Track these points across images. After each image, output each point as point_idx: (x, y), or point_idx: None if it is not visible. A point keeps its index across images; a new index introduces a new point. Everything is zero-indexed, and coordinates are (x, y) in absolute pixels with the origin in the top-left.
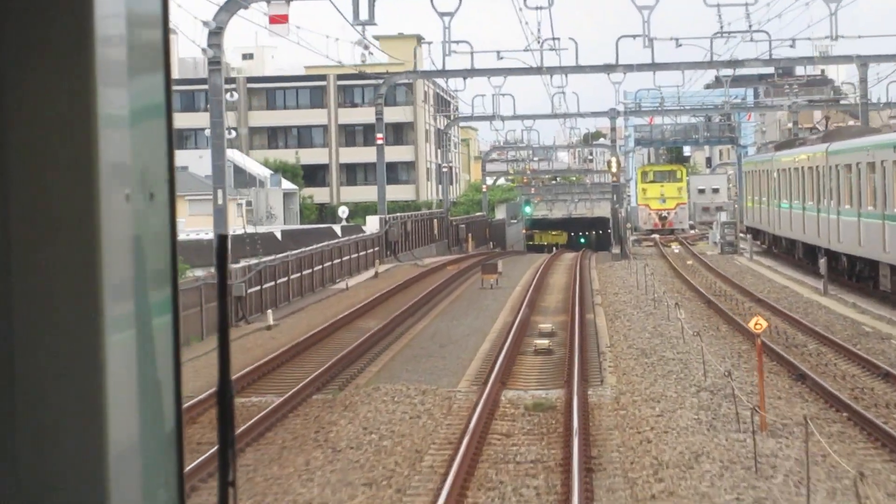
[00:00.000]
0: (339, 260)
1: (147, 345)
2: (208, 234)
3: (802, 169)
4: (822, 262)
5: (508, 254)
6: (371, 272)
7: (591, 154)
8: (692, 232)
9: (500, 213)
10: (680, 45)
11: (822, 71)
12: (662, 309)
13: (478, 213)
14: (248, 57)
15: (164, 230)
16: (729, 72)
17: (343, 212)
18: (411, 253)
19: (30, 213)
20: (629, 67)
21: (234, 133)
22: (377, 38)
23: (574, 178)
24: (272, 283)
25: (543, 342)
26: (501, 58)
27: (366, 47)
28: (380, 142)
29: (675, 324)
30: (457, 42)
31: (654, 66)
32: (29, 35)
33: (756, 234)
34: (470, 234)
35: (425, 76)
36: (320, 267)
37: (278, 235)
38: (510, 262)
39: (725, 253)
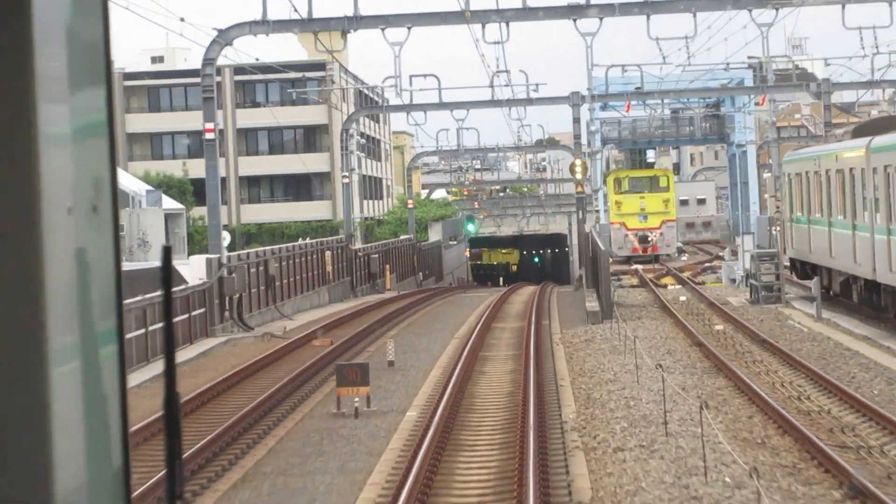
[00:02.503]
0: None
1: (91, 355)
2: None
3: None
4: None
5: (437, 295)
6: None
7: (544, 160)
8: (684, 259)
9: (436, 234)
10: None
11: (796, 65)
12: None
13: (403, 237)
14: (157, 60)
15: (108, 242)
16: (766, 18)
17: (224, 238)
18: (278, 308)
19: None
20: (607, 9)
21: None
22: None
23: (525, 189)
24: None
25: None
26: None
27: None
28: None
29: None
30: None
31: (647, 6)
32: None
33: (802, 267)
34: (388, 266)
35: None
36: None
37: None
38: (425, 321)
39: (763, 302)
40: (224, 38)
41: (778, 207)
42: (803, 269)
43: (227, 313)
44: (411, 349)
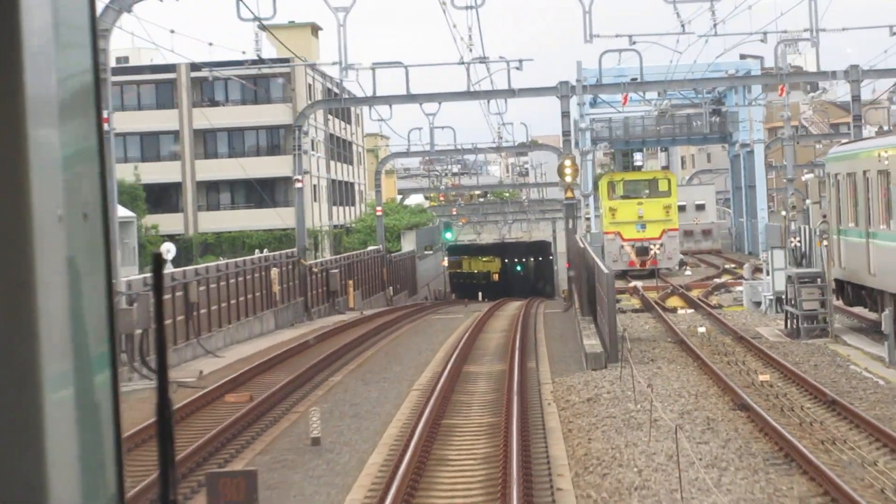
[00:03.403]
0: None
1: (84, 362)
2: None
3: None
4: None
5: (405, 317)
6: None
7: (527, 164)
8: (688, 273)
9: (409, 244)
10: None
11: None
12: None
13: (371, 247)
14: (122, 60)
15: (99, 250)
16: None
17: (167, 250)
18: (201, 342)
19: None
20: None
21: None
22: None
23: (507, 195)
24: None
25: None
26: None
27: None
28: None
29: None
30: None
31: None
32: None
33: (853, 291)
34: (351, 282)
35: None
36: None
37: None
38: (381, 359)
39: (805, 336)
40: (121, 2)
41: (824, 217)
42: (854, 293)
43: (125, 355)
44: (352, 411)
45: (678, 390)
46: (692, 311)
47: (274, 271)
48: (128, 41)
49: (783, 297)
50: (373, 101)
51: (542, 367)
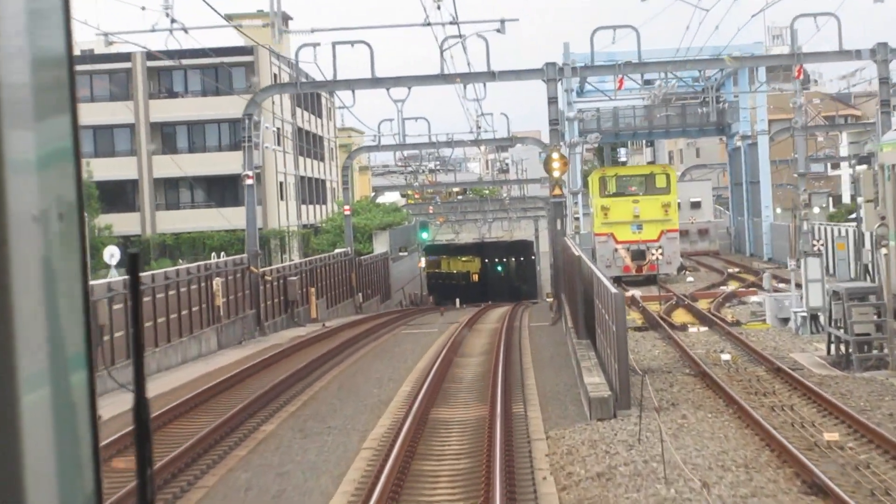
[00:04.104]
0: None
1: (60, 361)
2: None
3: None
4: None
5: (372, 331)
6: None
7: (507, 159)
8: (690, 280)
9: (382, 245)
10: None
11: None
12: None
13: (338, 250)
14: (87, 52)
15: (75, 249)
16: None
17: (111, 255)
18: (111, 375)
19: None
20: None
21: None
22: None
23: (487, 192)
24: None
25: None
26: None
27: None
28: None
29: None
30: None
31: None
32: None
33: None
34: (313, 290)
35: None
36: None
37: None
38: (328, 398)
39: (858, 367)
40: None
41: (883, 219)
42: None
43: None
44: (275, 487)
45: (718, 456)
46: (706, 328)
47: (217, 282)
48: (92, 32)
49: (822, 314)
50: (333, 85)
51: (531, 410)
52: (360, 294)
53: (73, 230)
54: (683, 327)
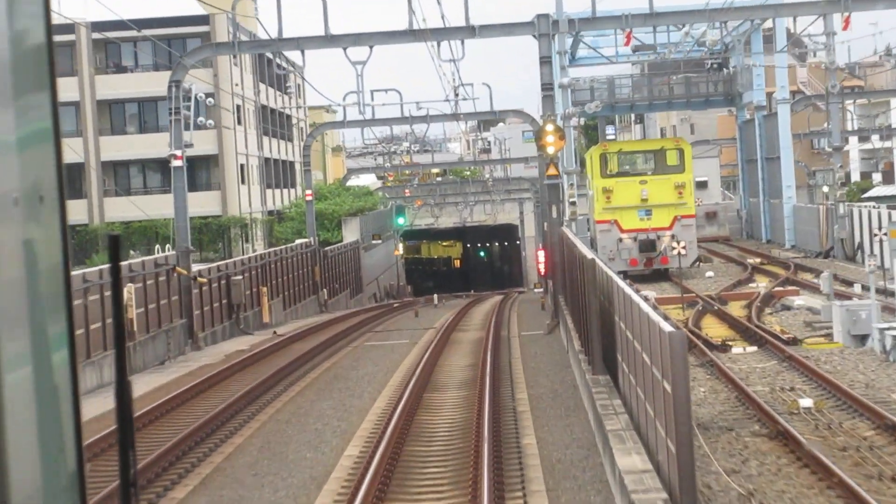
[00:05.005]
0: None
1: (41, 343)
2: None
3: None
4: None
5: (333, 340)
6: None
7: (488, 138)
8: (709, 276)
9: (353, 233)
10: None
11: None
12: None
13: (299, 240)
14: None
15: (56, 232)
16: None
17: None
18: None
19: None
20: None
21: None
22: None
23: (468, 173)
24: None
25: None
26: None
27: None
28: None
29: None
30: None
31: None
32: None
33: None
34: (265, 290)
35: None
36: None
37: None
38: (249, 461)
39: None
40: None
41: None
42: None
43: None
44: None
45: None
46: (754, 348)
47: (129, 289)
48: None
49: None
50: (279, 44)
51: (534, 501)
52: (326, 290)
53: (55, 213)
54: (724, 347)
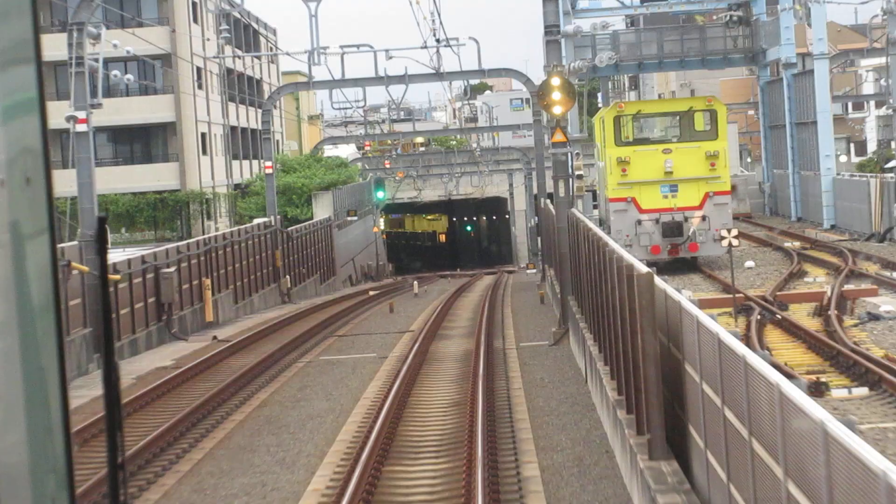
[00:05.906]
0: None
1: (30, 327)
2: None
3: None
4: None
5: (289, 346)
6: None
7: (473, 102)
8: (749, 266)
9: (325, 209)
10: None
11: None
12: None
13: (258, 220)
14: None
15: (42, 214)
16: None
17: None
18: None
19: None
20: None
21: None
22: None
23: (454, 142)
24: None
25: None
26: None
27: None
28: None
29: None
30: None
31: None
32: None
33: None
34: (208, 282)
35: None
36: None
37: None
38: None
39: None
40: None
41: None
42: None
43: None
44: None
45: None
46: (863, 390)
47: None
48: None
49: None
50: None
51: None
52: (288, 277)
53: (41, 195)
54: (818, 388)
